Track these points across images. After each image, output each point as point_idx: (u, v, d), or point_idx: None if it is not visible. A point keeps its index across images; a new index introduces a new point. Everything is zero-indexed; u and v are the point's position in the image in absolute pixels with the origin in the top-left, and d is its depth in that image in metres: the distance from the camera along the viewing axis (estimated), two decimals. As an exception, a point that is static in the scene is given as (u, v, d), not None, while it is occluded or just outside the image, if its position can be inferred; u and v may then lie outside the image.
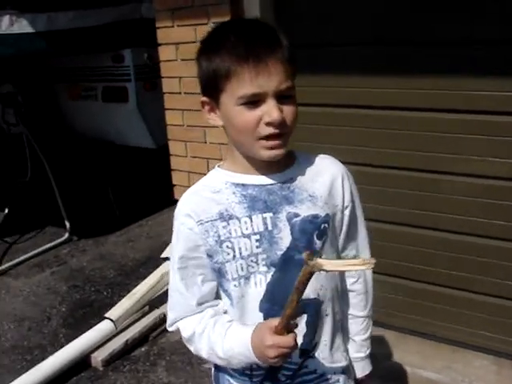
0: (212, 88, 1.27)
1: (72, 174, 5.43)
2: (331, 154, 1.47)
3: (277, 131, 1.24)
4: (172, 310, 1.42)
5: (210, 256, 1.33)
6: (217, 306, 1.40)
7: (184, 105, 3.20)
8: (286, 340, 1.19)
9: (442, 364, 2.77)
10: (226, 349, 1.31)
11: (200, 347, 1.37)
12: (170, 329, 1.44)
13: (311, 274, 1.10)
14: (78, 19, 4.58)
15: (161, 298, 3.54)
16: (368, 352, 1.60)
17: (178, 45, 3.12)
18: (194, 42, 3.03)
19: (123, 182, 5.64)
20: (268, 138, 1.24)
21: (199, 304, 1.38)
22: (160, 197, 4.61)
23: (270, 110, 1.22)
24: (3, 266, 4.52)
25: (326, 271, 1.08)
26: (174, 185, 3.42)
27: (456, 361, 2.79)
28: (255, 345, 1.24)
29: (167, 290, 3.62)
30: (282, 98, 1.23)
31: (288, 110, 1.25)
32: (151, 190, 5.32)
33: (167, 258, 3.63)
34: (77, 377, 3.10)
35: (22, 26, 4.26)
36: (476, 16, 2.41)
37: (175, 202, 3.42)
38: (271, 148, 1.26)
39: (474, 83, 2.46)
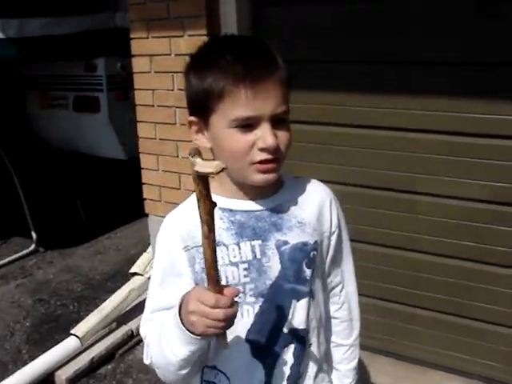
0: (202, 107, 1.21)
1: (40, 183, 5.30)
2: (308, 172, 1.44)
3: (270, 157, 1.18)
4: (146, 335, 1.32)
5: (196, 285, 1.24)
6: None
7: (157, 118, 3.16)
8: (213, 312, 1.03)
9: (413, 385, 2.76)
10: (163, 330, 1.18)
11: (150, 349, 1.26)
12: (147, 362, 1.33)
13: (198, 177, 0.95)
14: (50, 26, 4.49)
15: (128, 314, 3.48)
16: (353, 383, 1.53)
17: (152, 57, 3.09)
18: (169, 55, 3.01)
19: (92, 193, 5.53)
20: (261, 162, 1.19)
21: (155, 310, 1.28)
22: (130, 209, 4.55)
23: (264, 136, 1.16)
24: (-34, 278, 4.38)
25: (197, 172, 0.93)
26: (145, 199, 3.37)
27: (426, 382, 2.79)
28: (182, 311, 1.10)
29: (135, 305, 3.58)
30: (276, 122, 1.18)
31: (282, 135, 1.20)
32: (121, 202, 5.23)
33: (136, 273, 3.57)
34: (39, 396, 3.01)
35: (-8, 32, 4.17)
36: (462, 37, 2.42)
37: (145, 215, 3.40)
38: (264, 172, 1.20)
39: (456, 105, 2.46)
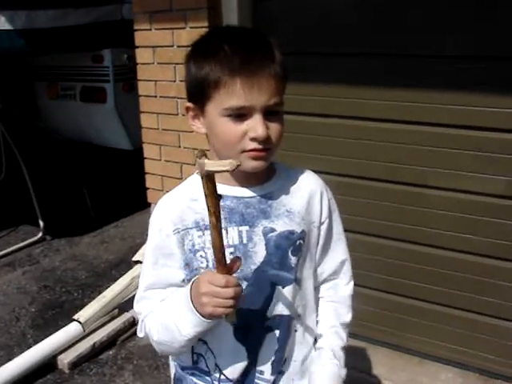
0: (198, 95, 1.26)
1: (48, 173, 5.37)
2: (310, 164, 1.46)
3: (260, 147, 1.22)
4: (139, 314, 1.39)
5: (187, 264, 1.31)
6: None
7: (159, 108, 3.20)
8: (224, 291, 1.12)
9: (408, 376, 2.78)
10: (170, 311, 1.26)
11: (150, 327, 1.33)
12: (140, 335, 1.39)
13: (207, 176, 1.03)
14: (58, 18, 4.53)
15: (130, 302, 3.49)
16: (332, 363, 1.43)
17: (155, 48, 3.12)
18: (171, 46, 3.04)
19: (99, 182, 5.60)
20: (251, 150, 1.23)
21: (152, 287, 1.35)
22: (136, 198, 4.58)
23: (255, 126, 1.20)
24: (-26, 264, 4.46)
25: (208, 171, 1.02)
26: (147, 188, 3.41)
27: (422, 373, 2.80)
28: (193, 294, 1.19)
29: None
30: (269, 113, 1.22)
31: (274, 126, 1.24)
32: (127, 192, 5.28)
33: (139, 261, 3.61)
34: (42, 379, 3.07)
35: (1, 23, 4.21)
36: (468, 31, 2.41)
37: (149, 204, 3.44)
38: (254, 158, 1.24)
39: (466, 99, 2.46)
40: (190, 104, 1.31)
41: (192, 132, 3.08)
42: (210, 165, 1.02)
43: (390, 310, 2.93)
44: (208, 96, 1.23)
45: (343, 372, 1.43)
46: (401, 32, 2.55)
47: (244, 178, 1.32)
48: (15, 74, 5.50)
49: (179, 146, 3.17)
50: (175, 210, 1.32)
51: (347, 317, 1.51)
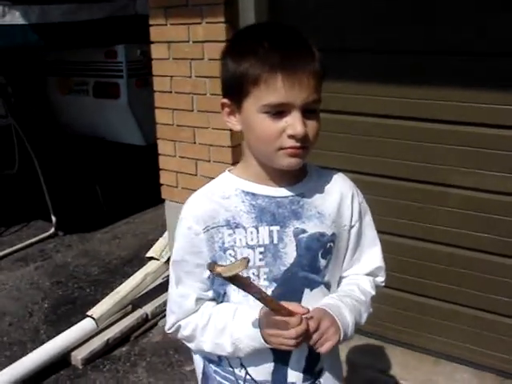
0: (235, 91, 1.24)
1: (60, 168, 5.37)
2: (326, 161, 1.44)
3: (298, 145, 1.21)
4: (172, 313, 1.39)
5: (214, 262, 1.29)
6: (214, 300, 1.37)
7: (174, 104, 3.18)
8: (287, 333, 1.18)
9: (424, 376, 2.77)
10: (234, 330, 1.28)
11: (203, 340, 1.34)
12: (169, 331, 1.41)
13: (231, 279, 1.07)
14: (71, 13, 4.53)
15: (144, 298, 3.53)
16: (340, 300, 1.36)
17: (171, 43, 3.10)
18: (187, 42, 3.03)
19: (111, 178, 5.59)
20: (288, 148, 1.21)
21: (198, 301, 1.35)
22: (148, 195, 4.58)
23: (294, 123, 1.19)
24: (-14, 259, 4.46)
25: (229, 277, 1.05)
26: (162, 184, 3.40)
27: (437, 373, 2.79)
28: (262, 328, 1.23)
29: (151, 290, 3.62)
30: (307, 111, 1.21)
31: (311, 124, 1.22)
32: (139, 188, 5.28)
33: (152, 258, 3.61)
34: (56, 375, 3.07)
35: (15, 18, 4.21)
36: (484, 27, 2.39)
37: (163, 200, 3.43)
38: (291, 156, 1.22)
39: (483, 96, 2.43)
40: (225, 100, 1.29)
41: (208, 128, 3.11)
42: (226, 271, 1.05)
43: (407, 309, 2.90)
44: (246, 92, 1.21)
45: (348, 319, 1.32)
46: (423, 27, 2.52)
47: (277, 176, 1.30)
48: (28, 68, 5.50)
49: (194, 143, 3.15)
50: (206, 207, 1.31)
51: (370, 289, 1.45)
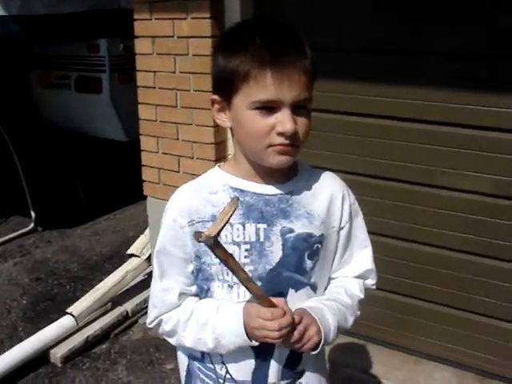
0: (225, 87, 1.23)
1: (40, 163, 5.30)
2: (317, 160, 1.42)
3: (287, 142, 1.19)
4: (154, 307, 1.37)
5: (197, 257, 1.29)
6: (197, 296, 1.36)
7: (158, 100, 3.15)
8: (271, 324, 1.16)
9: (405, 375, 2.77)
10: (217, 325, 1.26)
11: (184, 335, 1.32)
12: (150, 325, 1.40)
13: (212, 249, 1.08)
14: (53, 5, 4.46)
15: (124, 295, 3.50)
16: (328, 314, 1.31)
17: (155, 38, 3.07)
18: (172, 37, 2.99)
19: (92, 173, 5.53)
20: (278, 145, 1.20)
21: (180, 295, 1.33)
22: (129, 191, 4.55)
23: (283, 120, 1.17)
24: (-36, 254, 4.39)
25: (216, 236, 1.05)
26: (144, 181, 3.36)
27: (418, 372, 2.80)
28: (246, 326, 1.22)
29: (131, 287, 3.59)
30: (297, 108, 1.19)
31: (301, 122, 1.21)
32: (120, 184, 5.23)
33: (133, 255, 3.57)
34: (35, 373, 3.03)
35: (-5, 9, 4.14)
36: (480, 28, 2.39)
37: (144, 197, 3.40)
38: (280, 153, 1.21)
39: (475, 98, 2.43)
40: (216, 96, 1.27)
41: (191, 124, 3.08)
42: (215, 226, 1.06)
43: (389, 308, 2.91)
44: (236, 88, 1.20)
45: (330, 322, 1.29)
46: (418, 27, 2.52)
47: (266, 174, 1.29)
48: (9, 62, 5.41)
49: (177, 139, 3.12)
50: (192, 201, 1.29)
51: (358, 293, 1.43)
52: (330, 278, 1.43)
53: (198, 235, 1.07)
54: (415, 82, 2.55)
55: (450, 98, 2.48)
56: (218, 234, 1.06)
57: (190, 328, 1.31)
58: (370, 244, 1.46)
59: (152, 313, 1.38)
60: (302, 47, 1.22)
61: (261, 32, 1.22)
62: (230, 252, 1.11)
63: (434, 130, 2.57)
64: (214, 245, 1.06)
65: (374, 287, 1.49)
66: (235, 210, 1.09)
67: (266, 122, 1.18)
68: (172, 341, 1.38)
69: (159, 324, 1.37)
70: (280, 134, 1.18)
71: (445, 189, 2.61)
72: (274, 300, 1.19)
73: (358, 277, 1.44)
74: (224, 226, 1.07)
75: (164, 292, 1.34)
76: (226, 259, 1.11)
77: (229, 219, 1.07)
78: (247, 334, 1.22)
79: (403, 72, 2.58)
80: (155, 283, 1.37)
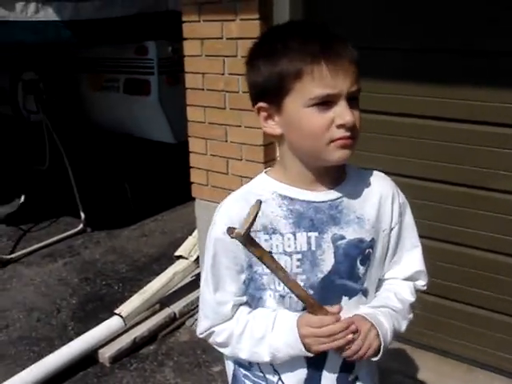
0: (274, 91, 1.19)
1: (90, 164, 5.40)
2: (362, 162, 1.38)
3: (348, 134, 1.16)
4: (206, 318, 1.35)
5: (250, 266, 1.27)
6: (248, 304, 1.34)
7: (206, 101, 3.15)
8: (320, 331, 1.17)
9: (456, 383, 2.69)
10: (273, 340, 1.24)
11: (239, 348, 1.30)
12: (201, 336, 1.37)
13: (244, 244, 1.10)
14: (103, 9, 4.55)
15: (172, 297, 3.51)
16: (384, 321, 1.29)
17: (203, 40, 3.06)
18: (220, 39, 2.99)
19: (140, 175, 5.60)
20: (340, 139, 1.17)
21: (233, 307, 1.31)
22: (177, 193, 4.57)
23: (342, 112, 1.15)
24: (16, 254, 4.49)
25: (247, 232, 1.07)
26: (192, 182, 3.37)
27: (471, 381, 2.71)
28: (300, 336, 1.21)
29: (179, 288, 3.60)
30: (350, 100, 1.17)
31: (356, 114, 1.18)
32: (168, 186, 5.27)
33: (181, 256, 3.58)
34: (83, 372, 3.06)
35: (48, 14, 4.24)
36: None
37: (191, 198, 3.41)
38: (343, 147, 1.18)
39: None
40: (262, 104, 1.23)
41: (240, 126, 3.06)
42: (244, 225, 1.07)
43: (439, 314, 2.83)
44: (287, 90, 1.17)
45: (386, 325, 1.27)
46: (461, 26, 2.45)
47: (318, 179, 1.26)
48: (60, 65, 5.53)
49: (226, 141, 3.11)
50: (242, 211, 1.22)
51: (409, 296, 1.40)
52: (380, 279, 1.39)
53: (230, 231, 1.07)
54: (468, 81, 2.48)
55: (505, 98, 2.39)
56: (247, 231, 1.06)
57: (244, 341, 1.29)
58: (419, 244, 1.41)
59: (204, 323, 1.35)
60: (344, 38, 1.19)
61: (299, 31, 1.20)
62: (267, 250, 1.12)
63: (490, 132, 2.48)
64: (247, 241, 1.07)
65: (425, 288, 1.44)
66: (258, 212, 1.08)
67: (326, 117, 1.15)
68: (225, 351, 1.36)
69: (210, 335, 1.35)
70: (340, 127, 1.15)
71: (497, 191, 2.53)
72: (329, 308, 1.18)
73: (408, 278, 1.40)
74: (250, 226, 1.07)
75: (218, 305, 1.31)
76: (261, 256, 1.10)
77: (254, 219, 1.07)
78: (304, 345, 1.20)
79: (453, 71, 2.52)
80: (208, 295, 1.33)
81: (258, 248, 1.09)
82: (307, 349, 1.20)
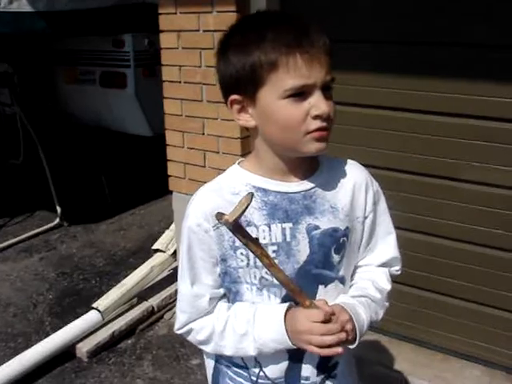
0: (247, 83, 1.17)
1: (65, 158, 5.34)
2: (338, 154, 1.39)
3: (324, 124, 1.16)
4: (183, 312, 1.33)
5: (223, 260, 1.26)
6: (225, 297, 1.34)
7: (183, 94, 3.13)
8: (326, 327, 1.15)
9: (433, 373, 2.72)
10: (258, 335, 1.24)
11: (223, 345, 1.29)
12: (179, 331, 1.36)
13: (232, 231, 1.10)
14: (79, 1, 4.48)
15: (150, 291, 3.50)
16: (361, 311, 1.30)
17: (180, 32, 3.05)
18: (197, 31, 2.97)
19: (117, 169, 5.55)
20: (316, 130, 1.16)
21: (211, 300, 1.30)
22: (154, 186, 4.55)
23: (318, 103, 1.14)
24: (-10, 249, 4.43)
25: (234, 221, 1.07)
26: (170, 175, 3.35)
27: (447, 370, 2.74)
28: (290, 328, 1.20)
29: (157, 282, 3.59)
30: (324, 90, 1.16)
31: (330, 103, 1.17)
32: (145, 179, 5.24)
33: (158, 250, 3.57)
34: (61, 367, 3.04)
35: (22, 5, 4.16)
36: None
37: (169, 192, 3.40)
38: (319, 140, 1.17)
39: (497, 90, 2.38)
40: (235, 96, 1.20)
41: (217, 119, 3.06)
42: (233, 214, 1.06)
43: (415, 304, 2.86)
44: (261, 81, 1.15)
45: (363, 317, 1.29)
46: (443, 19, 2.46)
47: (289, 170, 1.25)
48: (35, 57, 5.45)
49: (203, 134, 3.10)
50: (215, 204, 1.23)
51: (386, 285, 1.40)
52: (355, 266, 1.40)
53: (219, 216, 1.07)
54: (436, 73, 2.50)
55: (472, 90, 2.43)
56: (237, 219, 1.06)
57: (227, 338, 1.28)
58: (393, 230, 1.42)
59: (181, 317, 1.34)
60: (318, 27, 1.17)
61: (272, 21, 1.18)
62: (254, 236, 1.12)
63: (461, 124, 2.51)
64: (234, 228, 1.07)
65: (399, 272, 1.45)
66: (249, 204, 1.07)
67: (301, 109, 1.14)
68: (206, 348, 1.34)
69: (189, 332, 1.34)
70: (316, 118, 1.14)
71: (466, 182, 2.56)
72: (318, 303, 1.19)
73: (383, 265, 1.41)
74: (240, 215, 1.06)
75: (194, 298, 1.30)
76: (247, 243, 1.10)
77: (245, 210, 1.06)
78: (290, 339, 1.20)
79: (422, 63, 2.54)
80: (185, 289, 1.32)
81: (244, 235, 1.09)
82: (294, 343, 1.20)
